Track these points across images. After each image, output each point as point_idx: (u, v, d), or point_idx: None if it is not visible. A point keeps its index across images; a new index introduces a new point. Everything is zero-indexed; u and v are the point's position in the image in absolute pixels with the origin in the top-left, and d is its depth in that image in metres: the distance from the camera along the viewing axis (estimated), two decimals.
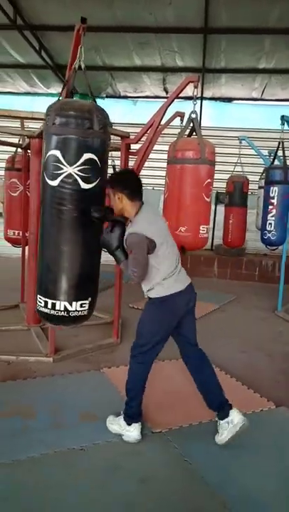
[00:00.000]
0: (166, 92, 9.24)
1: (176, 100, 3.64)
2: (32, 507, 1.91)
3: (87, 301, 2.61)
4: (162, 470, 2.21)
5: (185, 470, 2.22)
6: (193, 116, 3.65)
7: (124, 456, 2.30)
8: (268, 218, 4.69)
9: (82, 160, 2.41)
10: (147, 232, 2.24)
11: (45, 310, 2.57)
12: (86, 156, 2.42)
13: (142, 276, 2.28)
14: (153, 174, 7.71)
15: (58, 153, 2.41)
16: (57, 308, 2.54)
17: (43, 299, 2.58)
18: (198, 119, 3.70)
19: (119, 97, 9.68)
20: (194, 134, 3.73)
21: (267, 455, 2.39)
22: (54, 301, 2.53)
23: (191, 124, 3.68)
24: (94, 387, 3.09)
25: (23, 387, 3.03)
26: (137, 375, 2.40)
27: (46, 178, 2.49)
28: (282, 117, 4.48)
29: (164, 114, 3.86)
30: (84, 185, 2.45)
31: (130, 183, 2.36)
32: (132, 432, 2.38)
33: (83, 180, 2.44)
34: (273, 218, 4.64)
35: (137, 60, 8.00)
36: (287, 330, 4.94)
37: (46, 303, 2.55)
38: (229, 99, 9.43)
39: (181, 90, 3.80)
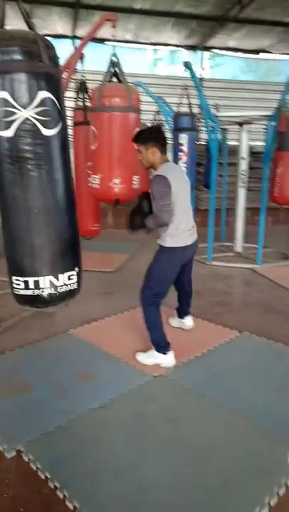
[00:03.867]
0: None
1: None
2: (89, 463, 1.96)
3: (74, 272, 2.24)
4: (182, 407, 2.41)
5: (199, 403, 2.45)
6: (115, 59, 3.44)
7: (144, 404, 2.44)
8: (180, 165, 4.80)
9: (38, 100, 1.97)
10: (168, 176, 2.54)
11: (28, 292, 2.13)
12: (41, 94, 1.98)
13: (170, 218, 2.55)
14: None
15: (5, 94, 1.92)
16: (41, 286, 2.12)
17: (21, 279, 2.13)
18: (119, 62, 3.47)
19: None
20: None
21: (253, 374, 2.79)
22: (36, 279, 2.11)
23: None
24: (70, 349, 3.05)
25: None
26: (152, 314, 2.72)
27: None
28: (186, 63, 4.47)
29: (80, 56, 3.56)
30: (45, 131, 2.01)
31: (162, 137, 2.66)
32: (170, 357, 2.75)
33: (43, 125, 2.00)
34: (185, 165, 4.78)
35: None
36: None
37: (26, 283, 2.12)
38: (102, 40, 8.98)
39: (96, 29, 3.52)
